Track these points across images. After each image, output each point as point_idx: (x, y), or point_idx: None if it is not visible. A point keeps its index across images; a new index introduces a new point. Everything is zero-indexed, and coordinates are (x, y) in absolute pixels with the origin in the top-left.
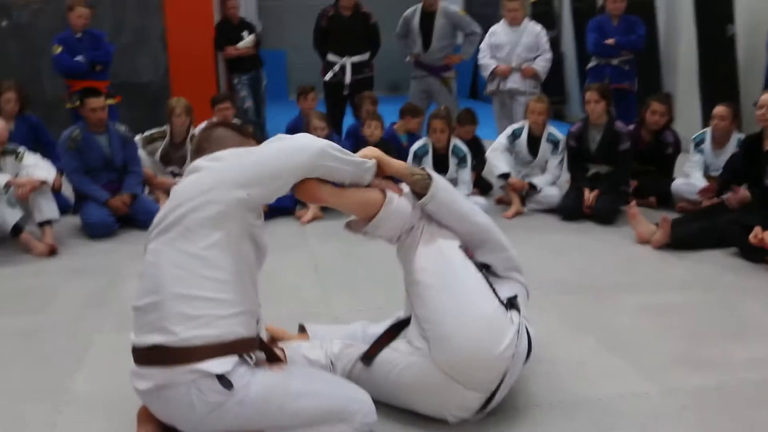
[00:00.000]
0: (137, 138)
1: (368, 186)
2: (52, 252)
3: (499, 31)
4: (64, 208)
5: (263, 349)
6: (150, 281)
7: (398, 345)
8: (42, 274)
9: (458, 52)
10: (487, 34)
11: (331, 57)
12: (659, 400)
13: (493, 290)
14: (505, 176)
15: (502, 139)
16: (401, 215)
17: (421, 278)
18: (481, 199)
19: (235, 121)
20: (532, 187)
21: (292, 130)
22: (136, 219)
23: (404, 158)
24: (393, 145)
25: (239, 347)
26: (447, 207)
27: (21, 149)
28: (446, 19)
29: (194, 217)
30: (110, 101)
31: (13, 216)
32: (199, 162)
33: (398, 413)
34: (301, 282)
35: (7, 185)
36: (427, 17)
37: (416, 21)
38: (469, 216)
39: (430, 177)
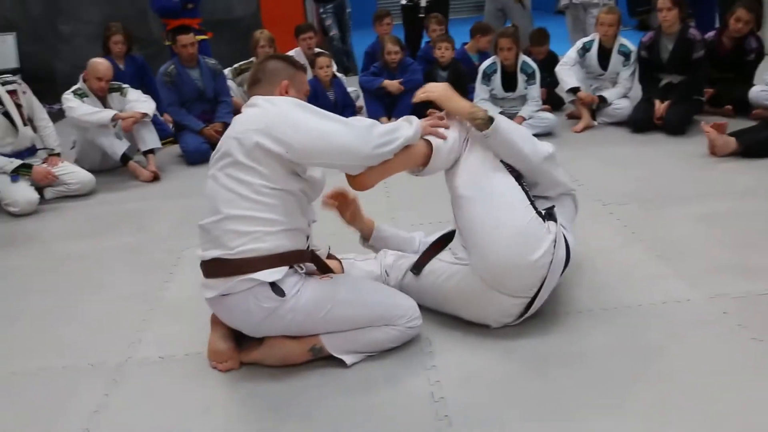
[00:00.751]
0: (227, 70)
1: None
2: (155, 178)
3: None
4: (165, 137)
5: (315, 262)
6: (210, 203)
7: (444, 255)
8: (146, 198)
9: None
10: None
11: None
12: (701, 306)
13: (531, 202)
14: (574, 90)
15: (572, 53)
16: (449, 154)
17: (461, 192)
18: (550, 115)
19: (318, 50)
20: (602, 100)
21: (369, 54)
22: None
23: (474, 77)
24: (464, 66)
25: (289, 259)
26: (506, 148)
27: (125, 86)
28: None
29: (242, 149)
30: (201, 37)
31: (120, 146)
32: (258, 99)
33: (445, 318)
34: (369, 196)
35: (114, 119)
36: None
37: None
38: (529, 159)
39: (491, 120)
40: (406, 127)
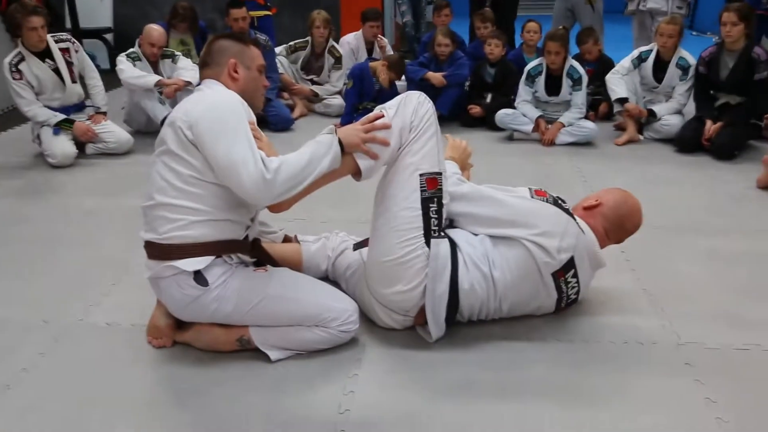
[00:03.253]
0: (282, 47)
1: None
2: None
3: None
4: None
5: (255, 253)
6: (148, 187)
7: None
8: None
9: None
10: None
11: None
12: (664, 352)
13: (429, 230)
14: (621, 101)
15: (626, 62)
16: (383, 166)
17: (375, 201)
18: (591, 124)
19: (387, 39)
20: (651, 114)
21: (426, 44)
22: (268, 121)
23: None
24: (511, 67)
25: (215, 248)
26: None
27: (177, 54)
28: None
29: (174, 137)
30: (263, 12)
31: (162, 111)
32: (205, 83)
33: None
34: None
35: (158, 84)
36: None
37: None
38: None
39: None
40: (322, 156)
